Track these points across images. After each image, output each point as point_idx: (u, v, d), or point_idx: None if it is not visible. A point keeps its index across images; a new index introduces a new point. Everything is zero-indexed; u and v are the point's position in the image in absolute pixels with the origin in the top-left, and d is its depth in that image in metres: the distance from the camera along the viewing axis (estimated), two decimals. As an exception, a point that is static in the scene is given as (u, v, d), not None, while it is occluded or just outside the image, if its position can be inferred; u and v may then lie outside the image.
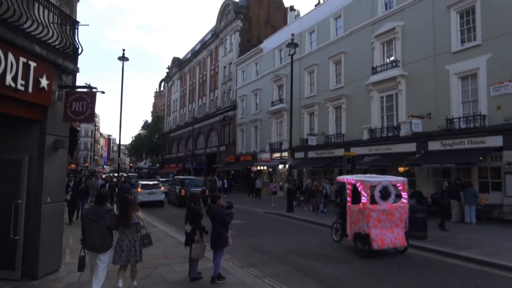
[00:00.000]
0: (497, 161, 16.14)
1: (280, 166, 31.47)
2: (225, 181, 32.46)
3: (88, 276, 6.44)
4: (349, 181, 10.54)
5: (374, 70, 22.50)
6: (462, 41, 17.99)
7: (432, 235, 11.62)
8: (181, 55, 73.29)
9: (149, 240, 6.50)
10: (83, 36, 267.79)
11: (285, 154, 27.85)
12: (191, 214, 7.22)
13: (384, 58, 22.49)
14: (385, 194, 9.81)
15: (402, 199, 10.19)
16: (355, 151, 21.29)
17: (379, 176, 11.26)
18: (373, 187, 9.91)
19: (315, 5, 30.93)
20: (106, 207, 6.09)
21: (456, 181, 16.25)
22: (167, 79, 74.30)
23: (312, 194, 19.99)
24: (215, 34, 49.42)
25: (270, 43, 36.14)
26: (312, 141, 27.17)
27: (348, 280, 7.44)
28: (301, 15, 33.79)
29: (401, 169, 20.78)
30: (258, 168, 35.78)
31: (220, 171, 43.54)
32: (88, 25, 8.78)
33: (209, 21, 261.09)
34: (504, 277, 7.81)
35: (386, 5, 22.75)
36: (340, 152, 23.29)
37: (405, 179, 10.62)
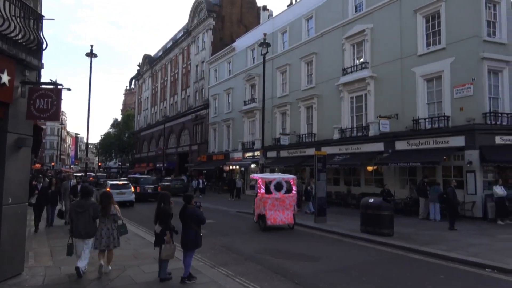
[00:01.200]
0: (459, 160, 16.87)
1: (253, 166, 31.54)
2: (200, 181, 31.83)
3: (53, 279, 6.75)
4: (256, 178, 14.76)
5: (345, 71, 22.96)
6: (428, 45, 18.66)
7: (398, 231, 11.99)
8: (152, 52, 71.87)
9: (125, 229, 7.73)
10: (48, 30, 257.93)
11: (258, 153, 27.94)
12: (161, 214, 7.10)
13: (354, 59, 22.99)
14: (278, 187, 13.66)
15: (293, 191, 14.09)
16: (326, 150, 21.64)
17: (275, 174, 16.65)
18: (270, 182, 13.74)
19: (288, 6, 31.21)
20: (90, 201, 7.34)
21: (424, 179, 16.88)
22: (137, 77, 72.82)
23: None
24: (187, 32, 48.90)
25: (242, 42, 36.15)
26: (284, 141, 27.42)
27: (318, 277, 7.56)
28: (274, 15, 34.00)
29: (369, 168, 21.34)
30: (231, 167, 35.73)
31: (193, 171, 43.15)
32: (53, 19, 8.49)
33: (181, 19, 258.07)
34: (465, 271, 8.17)
35: (356, 8, 23.25)
36: (311, 151, 23.57)
37: (294, 176, 14.72)
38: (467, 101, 16.58)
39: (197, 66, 46.31)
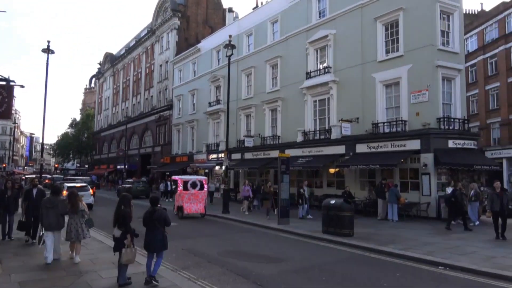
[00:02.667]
0: (415, 163, 17.65)
1: (217, 167, 31.37)
2: (169, 183, 29.73)
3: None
4: (176, 179, 19.12)
5: (308, 75, 23.39)
6: (387, 52, 19.41)
7: (358, 232, 12.35)
8: (114, 50, 69.79)
9: (92, 222, 8.74)
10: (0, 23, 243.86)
11: (222, 155, 27.80)
12: (121, 217, 6.86)
13: (317, 63, 23.48)
14: (193, 185, 17.91)
15: (205, 188, 18.36)
16: (290, 152, 21.87)
17: (192, 176, 22.21)
18: (187, 182, 18.09)
19: (253, 9, 31.42)
20: (60, 198, 8.56)
21: (382, 181, 17.48)
22: (98, 75, 70.41)
23: (266, 196, 19.03)
24: (151, 31, 47.94)
25: (208, 43, 35.93)
26: (249, 143, 27.49)
27: (280, 278, 7.63)
28: (240, 17, 34.06)
29: (331, 170, 21.83)
30: (194, 169, 35.32)
31: (156, 172, 42.30)
32: (5, 11, 8.02)
33: (145, 17, 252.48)
34: (420, 269, 8.55)
35: (320, 14, 23.78)
36: (275, 153, 23.78)
37: (206, 178, 19.68)
38: (423, 107, 17.40)
39: (161, 66, 45.48)
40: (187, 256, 9.60)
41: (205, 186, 18.54)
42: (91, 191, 22.72)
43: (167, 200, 27.68)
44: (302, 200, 17.05)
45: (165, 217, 7.00)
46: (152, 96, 47.25)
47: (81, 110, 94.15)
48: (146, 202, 24.58)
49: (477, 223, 15.01)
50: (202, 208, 17.91)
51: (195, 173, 35.40)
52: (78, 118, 78.83)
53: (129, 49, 55.64)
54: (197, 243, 11.39)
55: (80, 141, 68.38)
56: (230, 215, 18.26)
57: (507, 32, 30.65)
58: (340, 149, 20.78)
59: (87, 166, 71.10)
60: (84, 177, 39.61)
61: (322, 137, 22.29)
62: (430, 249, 10.17)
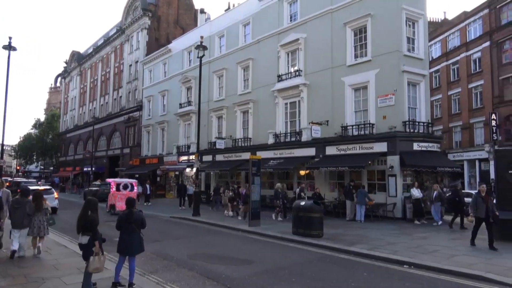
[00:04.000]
0: (382, 165, 18.15)
1: (188, 169, 31.01)
2: (147, 186, 27.38)
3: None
4: (110, 181, 21.50)
5: (280, 78, 23.60)
6: (356, 56, 19.89)
7: (327, 233, 12.55)
8: (81, 49, 67.68)
9: (53, 220, 9.49)
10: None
11: (193, 157, 27.51)
12: (88, 223, 6.53)
13: (288, 66, 23.74)
14: (125, 187, 20.43)
15: (135, 190, 20.84)
16: (261, 154, 22.04)
17: (124, 179, 23.66)
18: (120, 184, 20.65)
19: (225, 10, 31.39)
20: (27, 199, 9.12)
21: (350, 183, 17.86)
22: (64, 74, 68.00)
23: (246, 200, 17.31)
24: (121, 30, 46.89)
25: (179, 44, 35.53)
26: (220, 145, 27.35)
27: (250, 280, 7.63)
28: (211, 18, 33.91)
29: (302, 172, 22.09)
30: (165, 171, 34.77)
31: (124, 175, 41.27)
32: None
33: (114, 16, 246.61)
34: (386, 268, 8.78)
35: (291, 17, 24.07)
36: (247, 155, 23.78)
37: (136, 181, 22.35)
38: (390, 110, 17.94)
39: (130, 66, 44.52)
40: (155, 259, 9.42)
41: (135, 187, 21.31)
42: (55, 194, 21.89)
43: (145, 204, 25.87)
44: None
45: (142, 219, 6.98)
46: (121, 97, 46.15)
47: (45, 110, 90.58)
48: (114, 206, 23.84)
49: (440, 222, 15.61)
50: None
51: (166, 175, 34.90)
52: (42, 118, 75.78)
53: (97, 48, 54.12)
54: (166, 246, 11.20)
55: (44, 142, 65.67)
56: (201, 217, 18.10)
57: (468, 40, 32.17)
58: (311, 151, 21.07)
59: (51, 168, 68.38)
60: (31, 180, 37.57)
61: (293, 139, 22.53)
62: (396, 248, 10.48)
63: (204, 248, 11.10)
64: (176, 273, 8.11)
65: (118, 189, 20.30)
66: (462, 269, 8.21)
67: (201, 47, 20.14)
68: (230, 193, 19.83)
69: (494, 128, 28.05)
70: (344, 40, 20.22)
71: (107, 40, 50.88)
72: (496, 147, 24.89)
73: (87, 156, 45.78)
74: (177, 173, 33.39)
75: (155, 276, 7.80)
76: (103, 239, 6.67)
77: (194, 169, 22.15)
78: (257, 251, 10.73)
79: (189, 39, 33.44)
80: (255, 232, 13.80)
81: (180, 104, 33.18)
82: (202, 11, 37.08)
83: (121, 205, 18.94)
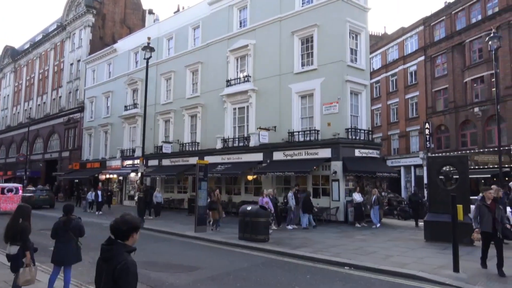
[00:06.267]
0: (326, 170, 18.80)
1: (132, 174, 29.94)
2: (99, 192, 24.65)
3: None
4: None
5: (229, 83, 23.64)
6: (303, 64, 20.49)
7: (273, 237, 12.72)
8: (16, 44, 62.99)
9: None
10: None
11: (138, 161, 26.62)
12: (19, 233, 6.00)
13: (238, 72, 23.87)
14: (9, 190, 22.99)
15: (19, 193, 23.41)
16: (209, 159, 21.77)
17: (9, 184, 27.30)
18: (4, 188, 23.19)
19: (175, 12, 30.91)
20: None
21: (296, 187, 18.23)
22: (-4, 71, 62.73)
23: (212, 206, 16.04)
24: (62, 26, 44.39)
25: (125, 44, 34.34)
26: (167, 149, 26.75)
27: (194, 287, 7.50)
28: (160, 20, 33.22)
29: (249, 177, 22.22)
30: (107, 176, 33.27)
31: (62, 180, 38.89)
32: None
33: (54, 10, 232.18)
34: (328, 270, 9.06)
35: (241, 23, 24.27)
36: (194, 160, 23.38)
37: (21, 185, 25.90)
38: (334, 118, 18.66)
39: (71, 64, 42.22)
40: (94, 269, 8.92)
41: (20, 191, 23.76)
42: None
43: (97, 212, 23.45)
44: (307, 209, 16.22)
45: (81, 226, 6.62)
46: (60, 97, 43.57)
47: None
48: (50, 213, 22.50)
49: (378, 225, 16.47)
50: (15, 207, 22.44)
51: (108, 180, 33.38)
52: (-32, 117, 69.16)
53: (35, 44, 50.72)
54: (107, 255, 10.67)
55: (-29, 144, 60.00)
56: (145, 224, 17.50)
57: (405, 54, 34.47)
58: (258, 157, 21.28)
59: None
60: None
61: (241, 144, 22.63)
62: (337, 250, 10.87)
63: (147, 255, 10.73)
64: (116, 283, 7.74)
65: (3, 192, 22.96)
66: (397, 268, 8.70)
67: (148, 48, 19.59)
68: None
69: (427, 136, 30.26)
70: (292, 48, 20.75)
71: (47, 36, 47.89)
72: (428, 154, 26.84)
73: (20, 160, 42.49)
74: (120, 178, 32.09)
75: (92, 287, 7.39)
76: (35, 248, 6.21)
77: (139, 174, 21.41)
78: (202, 257, 10.59)
79: (136, 39, 32.44)
80: (201, 238, 13.62)
81: (126, 107, 32.01)
82: (150, 12, 36.16)
83: (5, 206, 22.04)
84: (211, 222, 15.92)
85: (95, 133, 36.60)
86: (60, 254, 6.34)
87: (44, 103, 46.76)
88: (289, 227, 15.97)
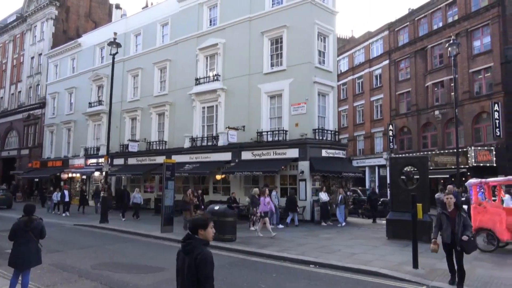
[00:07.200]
0: (294, 170, 19.04)
1: (96, 173, 29.07)
2: (66, 192, 22.79)
3: None
4: None
5: (198, 81, 23.42)
6: (272, 65, 20.64)
7: (240, 236, 12.73)
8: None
9: None
10: None
11: (102, 160, 25.87)
12: None
13: (207, 70, 23.68)
14: None
15: None
16: (177, 158, 21.54)
17: None
18: None
19: (143, 8, 30.27)
20: None
21: (264, 187, 18.32)
22: None
23: (185, 206, 15.71)
24: (22, 18, 42.33)
25: (90, 38, 33.24)
26: (133, 148, 26.15)
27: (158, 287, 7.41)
28: (128, 15, 32.41)
29: (218, 176, 22.13)
30: (70, 175, 32.10)
31: (20, 179, 37.18)
32: None
33: (13, 0, 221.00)
34: (294, 268, 9.19)
35: (211, 21, 24.10)
36: (162, 159, 23.03)
37: None
38: (301, 118, 18.93)
39: (32, 58, 40.38)
40: (54, 272, 8.61)
41: None
42: None
43: (63, 214, 21.87)
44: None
45: (42, 227, 6.38)
46: (20, 92, 41.55)
47: None
48: (8, 214, 21.46)
49: (343, 224, 16.88)
50: None
51: (71, 179, 32.22)
52: None
53: (-8, 36, 48.05)
54: (68, 257, 10.31)
55: None
56: (109, 224, 17.06)
57: (371, 58, 35.51)
58: (227, 156, 21.23)
59: None
60: None
61: (210, 143, 22.48)
62: (304, 249, 11.05)
63: (111, 257, 10.47)
64: (77, 285, 7.51)
65: None
66: (361, 266, 8.96)
67: (114, 43, 19.11)
68: (194, 200, 16.42)
69: (391, 137, 31.34)
70: (262, 48, 20.84)
71: (5, 27, 45.48)
72: (392, 155, 27.80)
73: (-26, 157, 40.27)
74: (84, 177, 31.05)
75: (52, 290, 7.13)
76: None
77: (104, 173, 20.81)
78: (169, 257, 10.37)
79: (102, 34, 31.46)
80: (168, 238, 13.44)
81: (90, 103, 30.99)
82: (117, 7, 35.20)
83: None
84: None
85: (57, 130, 35.19)
86: (19, 257, 6.09)
87: (2, 98, 44.45)
88: (280, 226, 16.01)
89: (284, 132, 19.27)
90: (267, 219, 13.77)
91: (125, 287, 7.38)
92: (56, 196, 23.27)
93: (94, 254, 10.82)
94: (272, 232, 13.22)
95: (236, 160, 20.68)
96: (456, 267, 7.19)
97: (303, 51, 19.29)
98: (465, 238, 6.84)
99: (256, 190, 15.90)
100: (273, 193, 17.08)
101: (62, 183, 31.09)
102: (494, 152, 23.40)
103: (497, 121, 23.19)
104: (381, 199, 21.30)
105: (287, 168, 19.25)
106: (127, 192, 21.63)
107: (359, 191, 24.56)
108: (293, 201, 16.77)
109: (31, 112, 38.68)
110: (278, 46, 20.43)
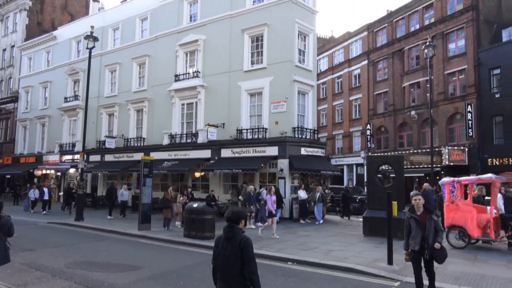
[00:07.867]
0: (273, 168, 19.11)
1: (72, 170, 28.36)
2: (46, 190, 21.73)
3: None
4: None
5: (177, 78, 23.16)
6: (252, 63, 20.62)
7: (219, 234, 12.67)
8: None
9: None
10: None
11: (78, 156, 25.26)
12: None
13: (187, 67, 23.45)
14: None
15: None
16: (155, 155, 21.31)
17: None
18: None
19: (121, 2, 29.66)
20: None
21: (243, 185, 18.33)
22: None
23: (167, 204, 14.91)
24: (-7, 8, 40.71)
25: (66, 31, 32.34)
26: (110, 144, 25.65)
27: (135, 286, 7.29)
28: (106, 8, 31.68)
29: (197, 174, 21.99)
30: (44, 171, 31.19)
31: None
32: None
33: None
34: (272, 265, 9.21)
35: (191, 17, 23.85)
36: (140, 156, 22.72)
37: None
38: (281, 116, 19.01)
39: (4, 50, 38.97)
40: (25, 271, 8.36)
41: None
42: None
43: (43, 212, 21.01)
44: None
45: (10, 225, 6.29)
46: (-9, 85, 40.03)
47: None
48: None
49: (321, 221, 17.08)
50: None
51: (45, 176, 31.32)
52: None
53: (-39, 26, 46.04)
54: (41, 256, 10.03)
55: None
56: (84, 222, 16.69)
57: (350, 58, 35.99)
58: (206, 153, 21.10)
59: None
60: None
61: (189, 140, 22.28)
62: (282, 246, 11.12)
63: (86, 255, 10.24)
64: (49, 285, 7.32)
65: None
66: (337, 262, 9.09)
67: (91, 37, 18.66)
68: (184, 199, 15.70)
69: (368, 137, 31.89)
70: (242, 46, 20.78)
71: (-25, 18, 43.68)
72: (369, 154, 28.31)
73: None
74: (58, 174, 30.26)
75: (23, 289, 6.92)
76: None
77: (79, 170, 20.32)
78: (146, 256, 10.30)
79: (79, 27, 30.61)
80: (145, 236, 13.26)
81: (66, 98, 30.17)
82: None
83: None
84: (180, 225, 15.01)
85: (30, 125, 34.11)
86: None
87: (-28, 91, 42.73)
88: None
89: (264, 130, 19.31)
90: (275, 218, 13.40)
91: (100, 286, 7.24)
92: (33, 194, 22.11)
93: (68, 252, 10.57)
94: (275, 234, 12.91)
95: (216, 158, 20.58)
96: (428, 282, 6.18)
97: (284, 50, 19.35)
98: (437, 246, 5.95)
99: (251, 187, 15.86)
100: (263, 190, 16.58)
101: (36, 180, 30.20)
102: (466, 152, 24.17)
103: (470, 122, 23.95)
104: (358, 197, 21.61)
105: (266, 166, 19.30)
106: (114, 189, 20.45)
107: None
108: (281, 197, 16.82)
109: (2, 106, 37.38)
110: (259, 44, 20.43)
